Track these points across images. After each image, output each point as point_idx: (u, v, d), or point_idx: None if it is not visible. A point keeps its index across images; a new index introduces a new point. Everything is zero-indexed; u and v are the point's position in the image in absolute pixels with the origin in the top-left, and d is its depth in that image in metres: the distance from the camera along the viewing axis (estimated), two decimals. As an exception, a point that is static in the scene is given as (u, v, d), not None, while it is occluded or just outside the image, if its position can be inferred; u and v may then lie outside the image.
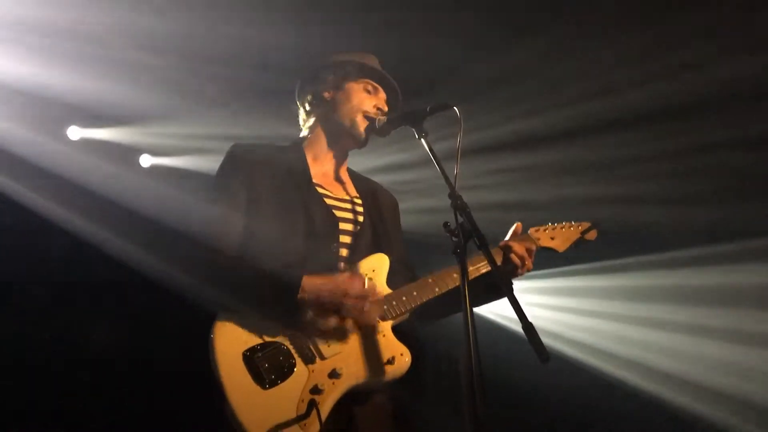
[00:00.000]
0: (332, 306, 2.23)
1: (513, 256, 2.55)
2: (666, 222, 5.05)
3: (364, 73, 2.70)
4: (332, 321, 2.23)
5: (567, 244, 2.79)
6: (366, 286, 2.29)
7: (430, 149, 2.35)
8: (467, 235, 2.05)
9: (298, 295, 2.21)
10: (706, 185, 4.82)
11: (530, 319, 1.83)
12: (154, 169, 5.47)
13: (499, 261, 2.54)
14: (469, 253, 2.05)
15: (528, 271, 2.59)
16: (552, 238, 2.77)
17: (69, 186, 4.67)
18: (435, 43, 4.40)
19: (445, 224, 2.11)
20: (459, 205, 2.11)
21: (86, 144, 5.05)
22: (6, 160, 4.43)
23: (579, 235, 2.81)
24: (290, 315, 2.23)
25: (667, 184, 4.94)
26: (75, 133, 5.04)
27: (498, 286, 2.43)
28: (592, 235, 2.84)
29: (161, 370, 4.54)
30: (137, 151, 5.39)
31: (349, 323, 2.26)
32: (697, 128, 4.56)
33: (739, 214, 4.76)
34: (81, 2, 3.99)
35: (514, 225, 2.70)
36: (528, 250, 2.57)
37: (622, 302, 5.44)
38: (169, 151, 5.44)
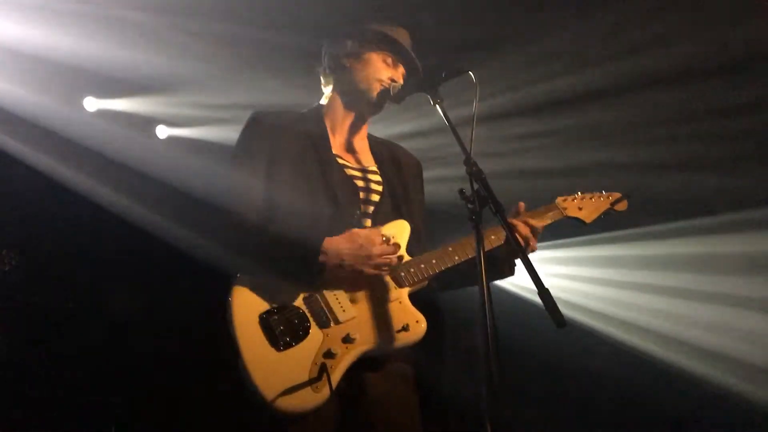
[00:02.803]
0: (354, 269, 2.26)
1: (516, 236, 2.37)
2: (686, 189, 4.96)
3: (385, 44, 2.64)
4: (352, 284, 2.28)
5: (595, 215, 2.68)
6: (386, 242, 2.31)
7: (445, 115, 2.30)
8: (483, 202, 2.02)
9: (320, 257, 2.23)
10: (729, 150, 4.71)
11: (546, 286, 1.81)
12: (171, 140, 5.48)
13: (500, 240, 2.45)
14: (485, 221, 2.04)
15: (532, 251, 2.44)
16: (580, 208, 2.67)
17: (88, 157, 4.71)
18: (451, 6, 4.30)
19: (461, 191, 2.07)
20: (474, 172, 2.07)
21: (103, 115, 5.06)
22: (24, 129, 4.46)
23: (608, 206, 2.70)
24: (311, 277, 2.26)
25: (687, 150, 4.82)
26: (91, 104, 5.05)
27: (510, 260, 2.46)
28: (622, 205, 2.71)
29: (179, 336, 4.61)
30: (153, 122, 5.39)
31: (365, 291, 2.29)
32: (723, 91, 4.44)
33: (762, 180, 4.66)
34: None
35: (517, 204, 2.54)
36: (533, 230, 2.46)
37: (639, 271, 5.39)
38: (185, 121, 5.43)
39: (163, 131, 5.47)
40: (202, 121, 5.40)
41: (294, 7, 4.31)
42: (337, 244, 2.26)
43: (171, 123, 5.46)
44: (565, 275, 5.75)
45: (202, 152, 5.29)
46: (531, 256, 2.11)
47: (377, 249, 2.27)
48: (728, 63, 4.33)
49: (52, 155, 4.59)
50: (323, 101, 2.74)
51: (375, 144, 2.76)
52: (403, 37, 2.69)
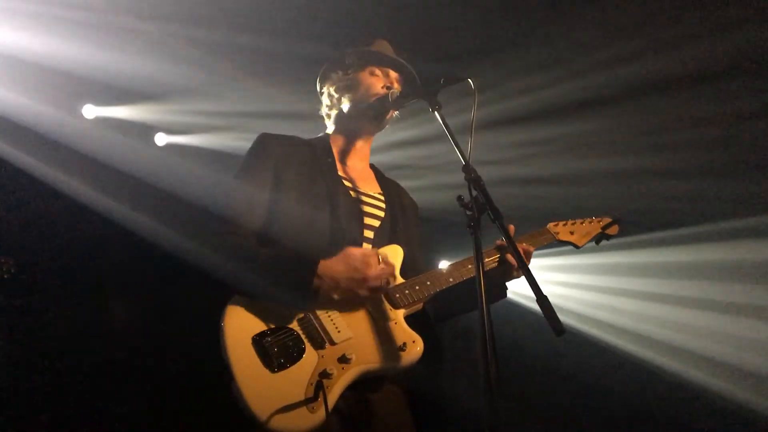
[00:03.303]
0: (349, 291, 2.25)
1: (509, 256, 2.49)
2: (687, 197, 4.95)
3: (367, 60, 2.70)
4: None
5: (586, 239, 2.77)
6: (380, 261, 2.30)
7: (444, 122, 2.31)
8: (481, 209, 2.02)
9: (315, 281, 2.22)
10: (728, 157, 4.70)
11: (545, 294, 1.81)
12: (170, 148, 5.48)
13: (494, 264, 2.49)
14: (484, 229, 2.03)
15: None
16: (571, 233, 2.77)
17: (86, 165, 4.70)
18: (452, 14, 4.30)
19: (459, 198, 2.08)
20: (473, 179, 2.07)
21: (101, 123, 5.06)
22: (22, 136, 4.46)
23: (599, 230, 2.78)
24: (305, 302, 2.24)
25: (687, 157, 4.81)
26: (90, 111, 5.06)
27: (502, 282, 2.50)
28: (613, 230, 2.81)
29: (179, 343, 4.59)
30: (152, 129, 5.39)
31: (361, 312, 2.28)
32: (721, 97, 4.44)
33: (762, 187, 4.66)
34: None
35: (508, 226, 2.55)
36: (525, 252, 2.52)
37: (637, 278, 5.38)
38: (184, 129, 5.44)
39: (161, 138, 5.47)
40: (200, 128, 5.41)
41: (292, 16, 4.32)
42: (333, 268, 2.24)
43: (170, 130, 5.46)
44: (563, 283, 5.74)
45: (200, 159, 5.29)
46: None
47: (373, 271, 2.25)
48: (728, 68, 4.33)
49: (51, 162, 4.58)
50: (328, 130, 2.79)
51: (380, 175, 2.81)
52: (382, 46, 2.74)
